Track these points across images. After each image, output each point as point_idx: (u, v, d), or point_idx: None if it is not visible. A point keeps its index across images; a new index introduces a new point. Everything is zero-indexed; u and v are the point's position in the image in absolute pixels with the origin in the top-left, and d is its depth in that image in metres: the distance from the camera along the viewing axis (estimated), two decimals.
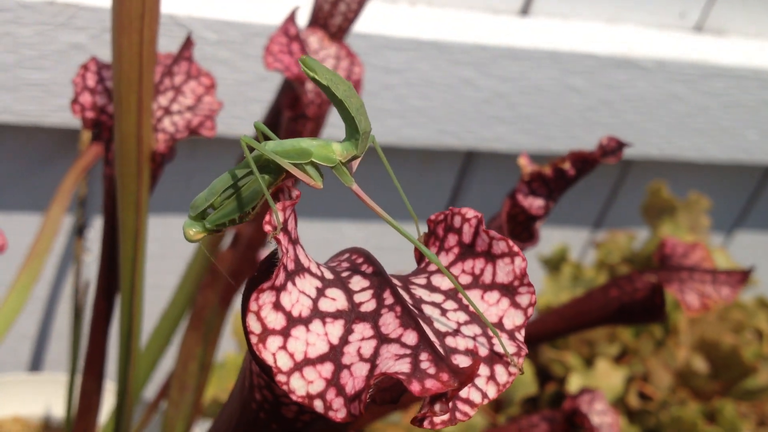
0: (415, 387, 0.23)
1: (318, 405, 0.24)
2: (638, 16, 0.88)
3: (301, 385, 0.25)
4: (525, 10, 0.86)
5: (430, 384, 0.23)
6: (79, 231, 0.84)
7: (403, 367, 0.24)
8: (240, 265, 0.61)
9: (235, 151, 0.83)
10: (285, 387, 0.24)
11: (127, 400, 0.57)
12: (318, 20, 0.55)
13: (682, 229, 0.86)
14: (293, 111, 0.54)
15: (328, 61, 0.55)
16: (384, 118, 0.82)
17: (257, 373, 0.30)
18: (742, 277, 0.55)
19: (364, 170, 0.82)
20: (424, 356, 0.24)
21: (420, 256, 0.30)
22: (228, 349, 0.95)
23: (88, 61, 0.48)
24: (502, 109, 0.85)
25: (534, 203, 0.49)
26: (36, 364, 0.94)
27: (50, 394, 0.85)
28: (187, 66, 0.50)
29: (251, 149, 0.29)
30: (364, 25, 0.77)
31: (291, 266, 0.26)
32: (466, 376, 0.23)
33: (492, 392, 0.27)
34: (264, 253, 0.68)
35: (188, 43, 0.50)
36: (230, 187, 0.30)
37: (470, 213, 0.29)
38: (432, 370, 0.24)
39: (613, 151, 0.46)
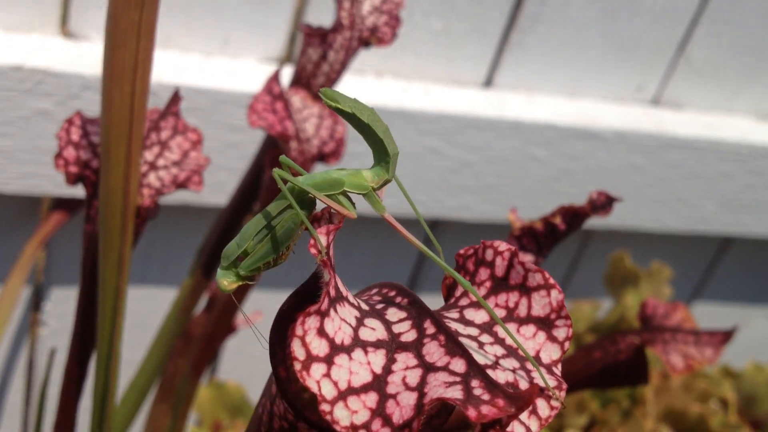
0: (471, 413, 0.22)
1: None
2: (598, 89, 0.90)
3: (345, 415, 0.24)
4: (488, 82, 0.87)
5: (486, 410, 0.22)
6: (36, 303, 0.82)
7: (456, 393, 0.23)
8: (215, 330, 0.59)
9: (202, 219, 0.81)
10: (329, 417, 0.23)
11: None
12: (301, 80, 0.55)
13: (644, 298, 0.86)
14: None
15: (312, 121, 0.54)
16: None
17: (280, 416, 0.29)
18: (725, 337, 0.55)
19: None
20: (475, 383, 0.24)
21: (448, 292, 0.29)
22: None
23: (73, 115, 0.47)
24: (468, 178, 0.85)
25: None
26: None
27: None
28: (174, 121, 0.49)
29: (284, 183, 0.28)
30: None
31: (333, 293, 0.25)
32: (524, 402, 0.23)
33: (534, 427, 0.26)
34: (240, 319, 0.66)
35: (175, 99, 0.49)
36: (263, 228, 0.29)
37: (503, 246, 0.28)
38: (486, 396, 0.23)
39: (603, 206, 0.47)
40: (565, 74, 0.89)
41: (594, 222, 0.92)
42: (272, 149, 0.55)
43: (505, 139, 0.84)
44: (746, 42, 0.92)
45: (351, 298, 0.26)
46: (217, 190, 0.79)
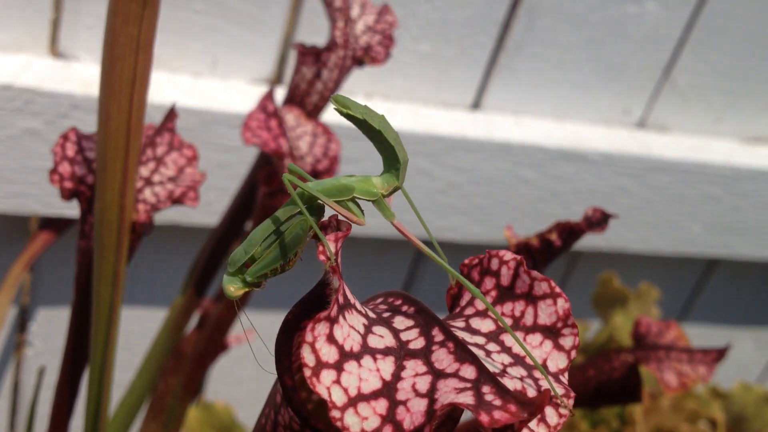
0: (484, 418, 0.22)
1: None
2: (585, 112, 0.91)
3: (355, 422, 0.23)
4: (476, 105, 0.88)
5: (499, 415, 0.22)
6: (22, 324, 0.81)
7: (467, 399, 0.23)
8: (206, 348, 0.59)
9: (191, 240, 0.81)
10: (339, 423, 0.23)
11: None
12: (295, 98, 0.56)
13: (633, 319, 0.87)
14: (269, 186, 0.54)
15: (306, 138, 0.54)
16: None
17: (285, 425, 0.28)
18: (718, 355, 0.55)
19: None
20: (486, 389, 0.23)
21: (452, 302, 0.29)
22: None
23: (69, 131, 0.47)
24: (456, 199, 0.85)
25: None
26: None
27: None
28: (169, 137, 0.49)
29: (294, 189, 0.28)
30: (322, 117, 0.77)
31: (341, 300, 0.25)
32: (536, 407, 0.23)
33: None
34: (233, 336, 0.66)
35: (171, 115, 0.49)
36: (271, 234, 0.29)
37: (508, 255, 0.28)
38: (498, 402, 0.23)
39: (599, 222, 0.47)
40: (552, 97, 0.89)
41: (582, 243, 0.93)
42: (266, 167, 0.55)
43: (493, 160, 0.85)
44: (730, 67, 0.93)
45: (359, 306, 0.26)
46: (206, 210, 0.79)
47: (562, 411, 0.26)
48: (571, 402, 0.27)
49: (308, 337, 0.23)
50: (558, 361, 0.27)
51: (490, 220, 0.88)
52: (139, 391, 0.63)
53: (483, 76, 0.86)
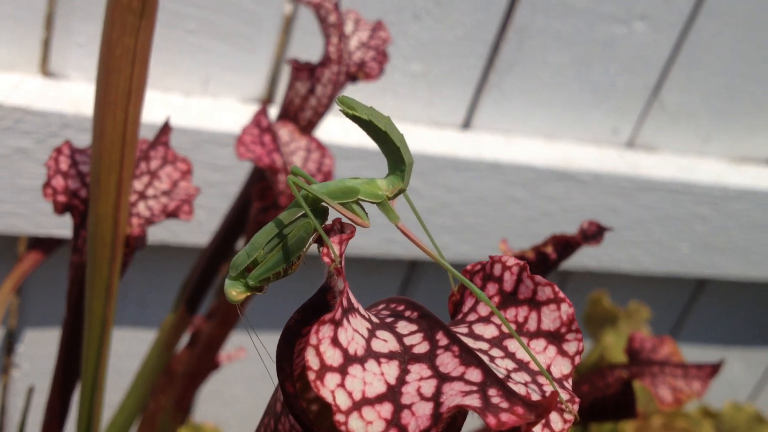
0: (491, 420, 0.22)
1: None
2: (574, 132, 0.91)
3: (360, 426, 0.23)
4: (467, 124, 0.88)
5: (506, 417, 0.22)
6: (8, 346, 0.80)
7: (474, 401, 0.23)
8: (198, 366, 0.58)
9: (181, 259, 0.81)
10: (343, 428, 0.23)
11: None
12: (288, 114, 0.56)
13: (624, 338, 0.87)
14: (263, 202, 0.54)
15: (299, 154, 0.54)
16: None
17: None
18: (712, 371, 0.55)
19: None
20: (492, 392, 0.23)
21: (455, 308, 0.29)
22: None
23: (62, 144, 0.47)
24: (447, 218, 0.85)
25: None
26: None
27: None
28: (163, 151, 0.49)
29: (298, 191, 0.28)
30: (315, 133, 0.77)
31: (345, 303, 0.25)
32: (544, 409, 0.22)
33: None
34: (224, 355, 0.65)
35: (166, 128, 0.49)
36: (274, 237, 0.28)
37: (511, 261, 0.28)
38: (505, 405, 0.23)
39: (594, 235, 0.47)
40: (542, 117, 0.90)
41: (571, 263, 0.93)
42: (260, 182, 0.55)
43: (484, 179, 0.85)
44: (718, 87, 0.94)
45: (362, 311, 0.26)
46: (197, 229, 0.79)
47: (567, 416, 0.26)
48: (576, 407, 0.26)
49: (313, 340, 0.23)
50: (562, 367, 0.27)
51: (481, 240, 0.88)
52: (129, 409, 0.62)
53: (473, 96, 0.87)
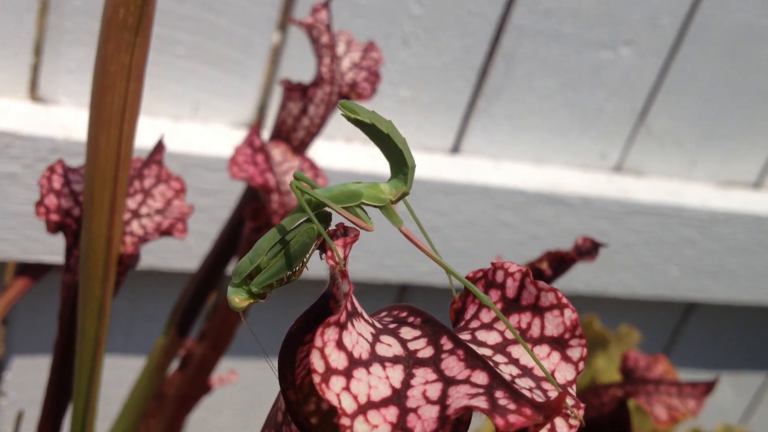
0: (499, 421, 0.22)
1: None
2: (563, 156, 0.92)
3: (365, 429, 0.23)
4: (456, 149, 0.88)
5: (514, 418, 0.22)
6: None
7: (481, 403, 0.23)
8: (190, 389, 0.58)
9: (171, 285, 0.80)
10: (348, 431, 0.23)
11: None
12: (281, 134, 0.56)
13: (615, 362, 0.87)
14: (256, 222, 0.53)
15: (292, 173, 0.54)
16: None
17: None
18: (707, 388, 0.55)
19: None
20: (499, 394, 0.23)
21: (456, 316, 0.29)
22: None
23: (55, 163, 0.47)
24: (436, 242, 0.85)
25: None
26: None
27: None
28: (157, 169, 0.48)
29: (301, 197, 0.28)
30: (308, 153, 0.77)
31: (350, 307, 0.24)
32: (552, 410, 0.22)
33: None
34: (216, 378, 0.65)
35: (160, 147, 0.49)
36: (277, 243, 0.28)
37: (513, 267, 0.28)
38: (512, 406, 0.23)
39: (589, 251, 0.47)
40: (530, 141, 0.90)
41: (561, 286, 0.93)
42: (252, 202, 0.55)
43: (473, 203, 0.85)
44: (704, 112, 0.95)
45: (365, 316, 0.26)
46: (186, 255, 0.78)
47: (573, 422, 0.26)
48: (581, 413, 0.26)
49: (317, 342, 0.23)
50: (566, 373, 0.27)
51: (471, 263, 0.88)
52: None
53: (462, 121, 0.87)
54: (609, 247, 0.92)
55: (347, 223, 0.28)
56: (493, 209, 0.86)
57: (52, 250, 0.74)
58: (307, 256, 0.28)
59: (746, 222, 0.97)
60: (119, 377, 0.84)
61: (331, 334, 0.23)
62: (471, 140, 0.88)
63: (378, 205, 0.29)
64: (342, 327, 0.24)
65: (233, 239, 0.58)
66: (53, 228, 0.46)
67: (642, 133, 0.94)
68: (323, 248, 0.27)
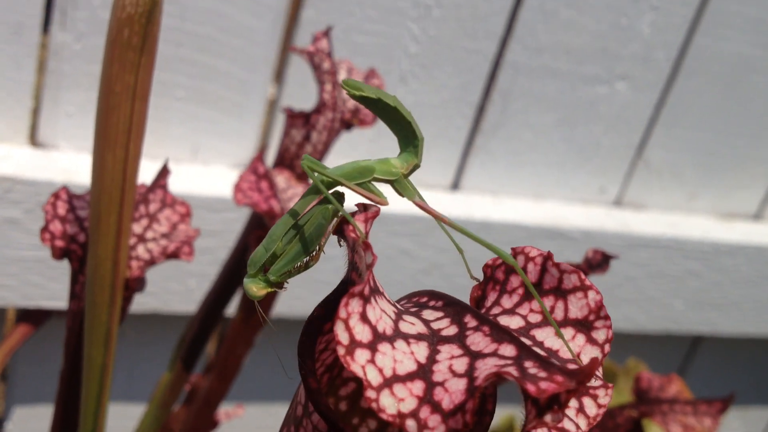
0: (530, 387, 0.21)
1: (410, 425, 0.22)
2: (562, 191, 0.92)
3: (391, 403, 0.22)
4: (455, 185, 0.88)
5: (545, 385, 0.21)
6: None
7: (511, 370, 0.22)
8: (196, 424, 0.57)
9: (172, 328, 0.79)
10: (374, 404, 0.22)
11: None
12: (284, 161, 0.56)
13: (624, 395, 0.85)
14: None
15: (295, 200, 0.54)
16: (322, 290, 0.81)
17: None
18: (723, 406, 0.54)
19: None
20: (528, 363, 0.23)
21: (476, 305, 0.29)
22: None
23: (60, 189, 0.46)
24: (439, 279, 0.85)
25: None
26: None
27: None
28: (162, 194, 0.48)
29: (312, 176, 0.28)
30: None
31: (372, 283, 0.24)
32: (584, 375, 0.22)
33: (583, 425, 0.25)
34: (222, 412, 0.64)
35: (164, 172, 0.49)
36: (292, 228, 0.28)
37: (534, 251, 0.28)
38: (543, 374, 0.22)
39: (599, 264, 0.47)
40: (529, 177, 0.90)
41: None
42: (257, 229, 0.54)
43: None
44: (701, 144, 0.95)
45: (387, 296, 0.26)
46: (187, 297, 0.78)
47: (601, 401, 0.25)
48: (610, 392, 0.26)
49: (342, 314, 0.22)
50: (591, 355, 0.27)
51: None
52: None
53: (461, 157, 0.87)
54: (612, 281, 0.92)
55: (361, 200, 0.28)
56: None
57: (53, 294, 0.73)
58: (324, 239, 0.28)
59: (749, 253, 0.97)
60: (120, 425, 0.82)
61: (355, 305, 0.23)
62: (470, 176, 0.88)
63: (391, 179, 0.29)
64: (366, 300, 0.23)
65: (239, 267, 0.57)
66: (59, 254, 0.46)
67: (640, 166, 0.94)
68: (340, 233, 0.27)
